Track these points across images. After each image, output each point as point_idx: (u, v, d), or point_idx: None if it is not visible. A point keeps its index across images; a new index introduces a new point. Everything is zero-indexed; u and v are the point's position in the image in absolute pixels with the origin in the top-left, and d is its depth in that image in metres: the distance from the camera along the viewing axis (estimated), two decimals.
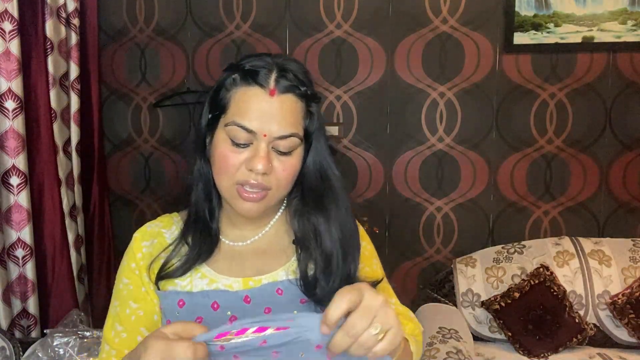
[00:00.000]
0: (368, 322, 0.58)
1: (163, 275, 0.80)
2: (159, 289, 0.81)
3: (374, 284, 0.85)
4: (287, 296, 0.80)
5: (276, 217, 0.87)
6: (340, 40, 2.29)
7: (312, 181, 0.83)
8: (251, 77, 0.76)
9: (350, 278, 0.80)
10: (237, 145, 0.76)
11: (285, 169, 0.77)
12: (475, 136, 2.27)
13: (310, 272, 0.80)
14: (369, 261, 0.90)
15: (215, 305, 0.78)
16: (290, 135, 0.76)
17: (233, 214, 0.84)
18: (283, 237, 0.86)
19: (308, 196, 0.83)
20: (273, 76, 0.76)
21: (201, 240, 0.82)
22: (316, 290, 0.79)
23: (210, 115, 0.81)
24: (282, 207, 0.87)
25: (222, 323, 0.67)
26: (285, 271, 0.82)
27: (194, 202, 0.84)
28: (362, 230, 0.91)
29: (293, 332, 0.61)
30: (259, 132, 0.75)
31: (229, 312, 0.78)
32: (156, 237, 0.86)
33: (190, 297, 0.79)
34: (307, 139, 0.81)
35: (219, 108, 0.79)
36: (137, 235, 0.88)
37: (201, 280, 0.81)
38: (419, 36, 2.25)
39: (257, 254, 0.84)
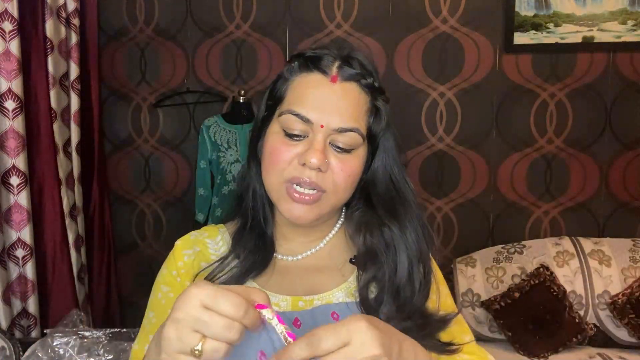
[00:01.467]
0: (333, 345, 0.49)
1: None
2: None
3: (449, 318, 0.71)
4: None
5: (334, 231, 0.77)
6: (341, 40, 2.28)
7: (382, 189, 0.73)
8: (312, 62, 0.69)
9: (421, 307, 0.69)
10: (291, 136, 0.68)
11: (344, 169, 0.68)
12: (475, 136, 2.27)
13: (372, 296, 0.69)
14: (443, 290, 0.77)
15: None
16: (351, 130, 0.68)
17: (284, 225, 0.76)
18: (340, 255, 0.75)
19: (378, 206, 0.72)
20: (337, 63, 0.69)
21: (255, 251, 0.73)
22: (379, 316, 0.65)
23: (265, 110, 0.74)
24: (340, 221, 0.78)
25: (267, 347, 0.60)
26: (342, 292, 0.71)
27: (246, 210, 0.76)
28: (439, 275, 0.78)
29: None
30: (316, 122, 0.67)
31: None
32: (199, 245, 0.78)
33: None
34: (372, 140, 0.72)
35: (274, 99, 0.72)
36: (179, 243, 0.79)
37: None
38: (419, 36, 2.25)
39: (310, 272, 0.74)
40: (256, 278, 0.72)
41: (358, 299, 0.69)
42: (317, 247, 0.76)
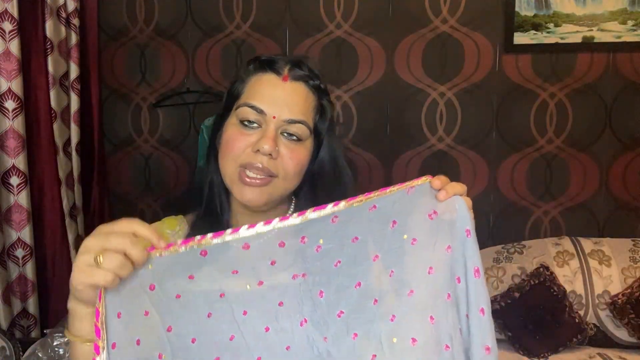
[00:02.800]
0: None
1: None
2: None
3: None
4: None
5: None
6: (340, 40, 2.29)
7: (325, 177, 0.82)
8: (267, 64, 0.79)
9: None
10: (246, 126, 0.76)
11: (293, 157, 0.76)
12: (475, 136, 2.27)
13: None
14: None
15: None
16: (299, 122, 0.77)
17: (240, 213, 0.83)
18: None
19: (321, 194, 0.80)
20: (288, 65, 0.79)
21: None
22: None
23: (223, 108, 0.82)
24: (291, 210, 0.85)
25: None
26: None
27: (202, 200, 0.84)
28: None
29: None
30: (269, 113, 0.75)
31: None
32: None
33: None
34: (317, 135, 0.81)
35: (232, 97, 0.80)
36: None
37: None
38: (419, 36, 2.25)
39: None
40: None
41: None
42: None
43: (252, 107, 0.76)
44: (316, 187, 0.82)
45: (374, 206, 0.66)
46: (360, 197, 0.66)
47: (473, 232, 0.71)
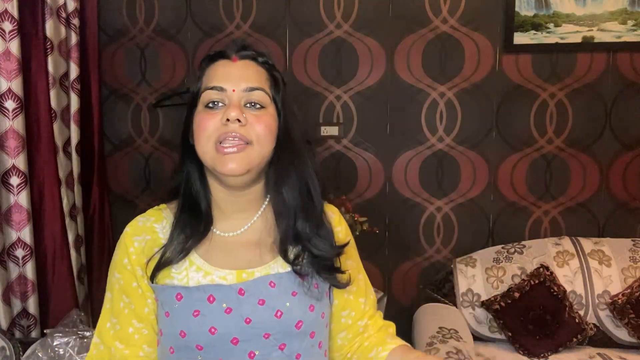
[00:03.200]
0: None
1: (160, 266, 0.82)
2: (153, 282, 0.82)
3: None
4: (280, 288, 0.83)
5: (264, 205, 0.89)
6: (340, 40, 2.29)
7: (286, 142, 0.86)
8: (217, 55, 0.87)
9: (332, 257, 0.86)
10: (211, 108, 0.81)
11: (260, 122, 0.81)
12: (475, 136, 2.27)
13: (291, 256, 0.84)
14: (354, 254, 0.97)
15: (212, 298, 0.80)
16: (257, 88, 0.82)
17: (221, 200, 0.86)
18: (272, 229, 0.87)
19: (287, 165, 0.86)
20: (234, 49, 0.86)
21: (192, 225, 0.84)
22: (301, 270, 0.84)
23: (188, 108, 0.87)
24: (268, 197, 0.89)
25: (219, 314, 0.78)
26: (277, 264, 0.85)
27: (183, 193, 0.88)
28: (339, 218, 0.96)
29: None
30: (229, 88, 0.81)
31: (224, 305, 0.79)
32: (148, 232, 0.86)
33: (187, 291, 0.80)
34: (277, 103, 0.86)
35: (194, 94, 0.85)
36: (129, 230, 0.87)
37: (196, 273, 0.82)
38: (419, 36, 2.25)
39: (249, 246, 0.86)
40: (197, 249, 0.84)
41: (290, 269, 0.84)
42: (252, 220, 0.87)
43: (213, 87, 0.81)
44: (284, 158, 0.85)
45: None
46: None
47: None
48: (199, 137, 0.81)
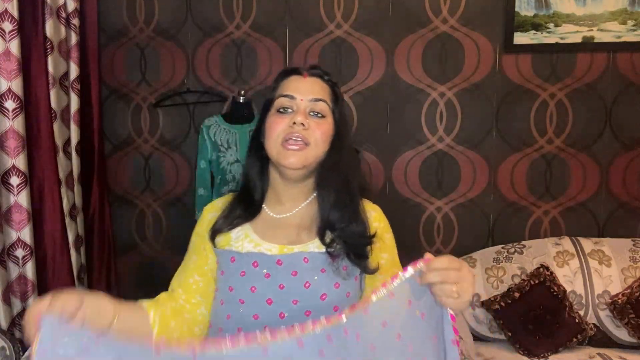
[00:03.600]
0: (455, 280, 0.82)
1: (214, 232, 1.03)
2: (215, 247, 1.03)
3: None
4: (311, 264, 0.97)
5: (311, 197, 1.06)
6: (340, 40, 2.29)
7: (339, 149, 1.04)
8: (292, 70, 1.06)
9: (360, 236, 1.01)
10: (282, 113, 1.01)
11: (320, 128, 1.00)
12: (475, 136, 2.27)
13: (327, 240, 0.99)
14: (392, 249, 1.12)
15: (255, 264, 0.98)
16: (320, 99, 1.02)
17: (280, 188, 1.05)
18: (315, 216, 1.03)
19: (331, 161, 1.03)
20: (306, 68, 1.07)
21: (246, 206, 1.06)
22: (333, 252, 0.99)
23: (262, 111, 1.06)
24: (314, 194, 1.06)
25: (259, 277, 0.96)
26: (314, 245, 1.01)
27: (245, 181, 1.09)
28: (379, 215, 1.10)
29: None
30: (297, 97, 1.01)
31: (264, 270, 0.97)
32: (218, 210, 1.08)
33: (239, 256, 1.00)
34: (334, 114, 1.04)
35: (268, 101, 1.05)
36: (208, 207, 1.12)
37: (249, 244, 1.02)
38: (419, 36, 2.25)
39: (294, 227, 1.03)
40: (253, 225, 1.04)
41: (324, 250, 0.99)
42: (300, 207, 1.05)
43: (285, 95, 1.01)
44: (331, 165, 1.03)
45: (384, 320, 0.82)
46: (363, 306, 0.79)
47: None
48: (270, 134, 1.00)
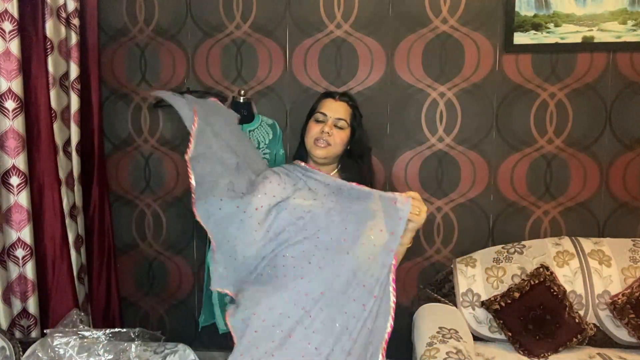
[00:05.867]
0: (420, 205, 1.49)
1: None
2: None
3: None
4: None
5: (334, 171, 1.68)
6: (340, 40, 2.29)
7: (355, 150, 1.68)
8: (329, 94, 1.71)
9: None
10: (318, 122, 1.64)
11: (339, 136, 1.62)
12: (475, 136, 2.27)
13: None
14: None
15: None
16: (342, 119, 1.64)
17: (312, 165, 1.65)
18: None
19: (353, 161, 1.68)
20: (338, 94, 1.71)
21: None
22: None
23: (307, 116, 1.70)
24: (337, 169, 1.68)
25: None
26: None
27: (295, 158, 1.74)
28: None
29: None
30: (329, 115, 1.64)
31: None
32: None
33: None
34: (352, 127, 1.67)
35: (312, 110, 1.69)
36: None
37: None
38: (419, 36, 2.25)
39: None
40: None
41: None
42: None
43: (322, 113, 1.64)
44: (351, 155, 1.68)
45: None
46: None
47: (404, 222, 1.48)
48: (308, 134, 1.63)
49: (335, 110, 1.62)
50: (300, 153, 1.73)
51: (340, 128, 1.61)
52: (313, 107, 1.68)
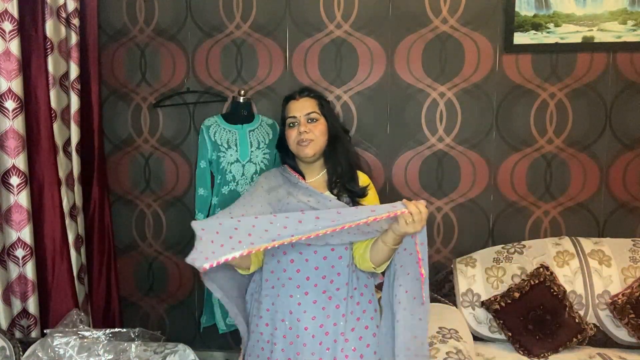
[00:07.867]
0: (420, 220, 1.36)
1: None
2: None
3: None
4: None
5: (323, 172, 1.64)
6: (340, 40, 2.29)
7: (332, 132, 1.63)
8: (290, 97, 1.65)
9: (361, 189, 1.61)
10: (291, 127, 1.60)
11: (317, 128, 1.58)
12: (475, 136, 2.27)
13: (334, 192, 1.59)
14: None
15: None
16: (311, 112, 1.59)
17: (301, 166, 1.64)
18: (326, 182, 1.62)
19: (332, 141, 1.62)
20: (297, 94, 1.64)
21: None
22: (339, 199, 1.58)
23: (281, 125, 1.67)
24: (324, 171, 1.64)
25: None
26: (328, 194, 1.60)
27: (282, 162, 1.71)
28: (366, 180, 1.65)
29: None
30: (297, 115, 1.59)
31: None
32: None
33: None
34: (325, 117, 1.62)
35: (283, 118, 1.64)
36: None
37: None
38: (419, 36, 2.25)
39: (314, 187, 1.60)
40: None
41: (335, 199, 1.57)
42: (315, 178, 1.64)
43: (291, 117, 1.60)
44: (331, 142, 1.62)
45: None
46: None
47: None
48: (289, 141, 1.60)
49: (301, 108, 1.58)
50: (284, 160, 1.69)
51: (314, 120, 1.57)
52: (282, 116, 1.64)
